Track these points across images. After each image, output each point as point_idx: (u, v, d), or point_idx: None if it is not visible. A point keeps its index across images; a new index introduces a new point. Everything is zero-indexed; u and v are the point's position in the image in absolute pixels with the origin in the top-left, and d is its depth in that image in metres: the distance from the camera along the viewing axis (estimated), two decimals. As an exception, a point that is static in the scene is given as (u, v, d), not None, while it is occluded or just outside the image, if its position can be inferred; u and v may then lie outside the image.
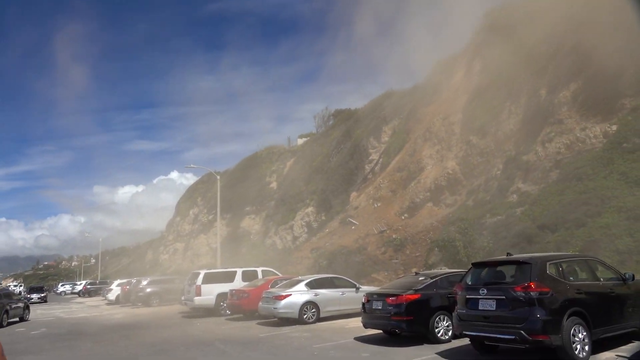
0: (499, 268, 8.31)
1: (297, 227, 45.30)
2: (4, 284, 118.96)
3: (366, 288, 16.24)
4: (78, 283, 67.54)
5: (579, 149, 21.23)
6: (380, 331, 11.62)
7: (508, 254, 8.57)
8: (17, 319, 23.29)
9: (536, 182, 22.39)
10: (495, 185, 25.05)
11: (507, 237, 19.32)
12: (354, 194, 40.26)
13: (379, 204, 34.71)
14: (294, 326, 14.59)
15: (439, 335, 10.08)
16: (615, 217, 16.11)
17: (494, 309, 7.61)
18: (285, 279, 17.71)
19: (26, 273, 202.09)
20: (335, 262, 25.38)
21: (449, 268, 18.34)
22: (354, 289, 15.79)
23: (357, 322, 14.52)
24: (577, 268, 8.28)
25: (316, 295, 15.17)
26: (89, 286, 52.57)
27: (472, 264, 8.70)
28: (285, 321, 15.26)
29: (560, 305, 7.27)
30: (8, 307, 21.85)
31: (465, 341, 9.85)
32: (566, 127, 22.35)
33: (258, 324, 16.01)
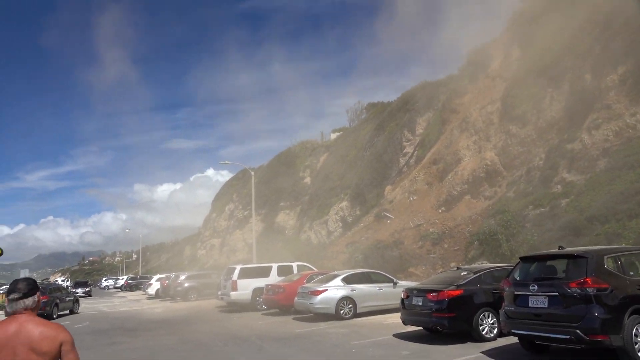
0: (550, 262, 7.75)
1: (332, 221, 45.07)
2: (51, 279, 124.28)
3: (404, 283, 15.83)
4: (120, 278, 69.71)
5: (629, 136, 20.01)
6: (420, 328, 11.21)
7: (560, 247, 7.99)
8: (67, 311, 24.51)
9: (582, 172, 21.28)
10: (538, 175, 24.00)
11: (552, 230, 18.43)
12: (388, 188, 39.63)
13: (414, 198, 34.00)
14: (330, 322, 14.33)
15: (483, 333, 9.57)
16: (672, 207, 15.05)
17: (546, 306, 7.07)
18: (321, 274, 17.47)
19: (73, 268, 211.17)
20: (372, 256, 24.97)
21: (490, 262, 17.67)
22: (392, 284, 15.39)
23: (395, 318, 14.14)
24: (637, 262, 7.62)
25: (353, 290, 14.86)
26: (130, 281, 54.08)
27: (521, 258, 8.15)
28: (321, 317, 15.02)
29: (620, 302, 6.67)
30: (58, 301, 23.09)
31: (512, 339, 9.33)
32: (614, 112, 21.10)
33: (294, 319, 15.84)
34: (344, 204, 44.65)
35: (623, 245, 10.00)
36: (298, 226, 51.56)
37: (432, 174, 33.95)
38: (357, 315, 14.76)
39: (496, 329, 9.62)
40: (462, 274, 10.20)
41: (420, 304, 10.09)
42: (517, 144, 26.94)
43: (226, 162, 29.34)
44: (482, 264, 17.25)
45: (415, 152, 39.92)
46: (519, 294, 7.53)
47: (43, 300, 20.91)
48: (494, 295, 9.69)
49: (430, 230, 27.05)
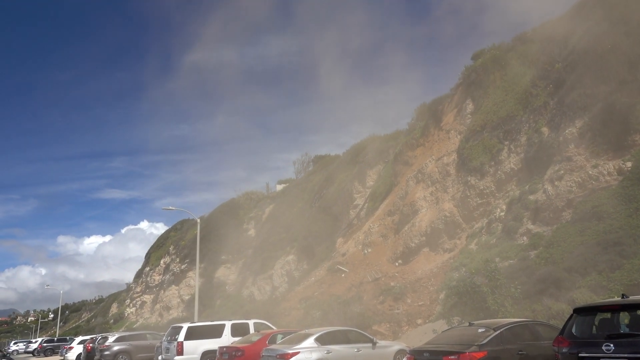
0: (608, 315, 6.36)
1: (277, 276, 42.66)
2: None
3: (384, 343, 13.98)
4: (33, 340, 61.32)
5: (592, 187, 20.00)
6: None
7: (623, 295, 6.66)
8: None
9: (548, 223, 20.92)
10: (500, 227, 23.50)
11: (527, 283, 17.49)
12: (340, 240, 38.13)
13: (369, 250, 32.64)
14: (303, 392, 12.04)
15: (513, 404, 7.87)
16: (655, 258, 14.58)
17: (628, 371, 5.59)
18: (284, 333, 15.22)
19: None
20: (331, 312, 22.89)
21: (464, 318, 16.23)
22: (371, 344, 13.47)
23: (379, 386, 12.16)
24: None
25: (328, 352, 12.74)
26: (45, 344, 47.41)
27: (575, 310, 6.70)
28: (289, 385, 12.66)
29: None
30: None
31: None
32: (576, 164, 21.21)
33: (255, 389, 13.34)
34: (291, 257, 42.51)
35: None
36: (240, 281, 48.48)
37: (387, 225, 32.93)
38: (332, 382, 12.58)
39: (526, 399, 7.97)
40: (480, 331, 8.57)
41: (434, 369, 8.28)
42: (476, 195, 26.63)
43: (170, 207, 26.74)
44: (461, 320, 15.79)
45: (366, 204, 39.04)
46: (586, 356, 6.01)
47: None
48: (520, 357, 8.13)
49: (391, 284, 25.54)
